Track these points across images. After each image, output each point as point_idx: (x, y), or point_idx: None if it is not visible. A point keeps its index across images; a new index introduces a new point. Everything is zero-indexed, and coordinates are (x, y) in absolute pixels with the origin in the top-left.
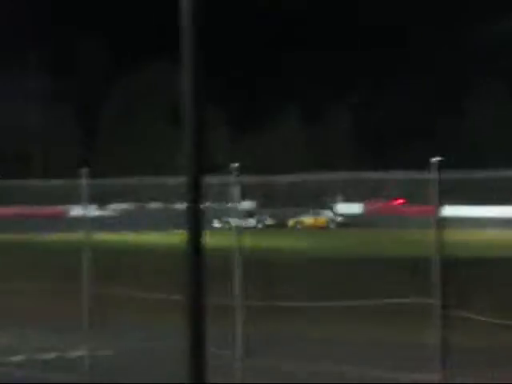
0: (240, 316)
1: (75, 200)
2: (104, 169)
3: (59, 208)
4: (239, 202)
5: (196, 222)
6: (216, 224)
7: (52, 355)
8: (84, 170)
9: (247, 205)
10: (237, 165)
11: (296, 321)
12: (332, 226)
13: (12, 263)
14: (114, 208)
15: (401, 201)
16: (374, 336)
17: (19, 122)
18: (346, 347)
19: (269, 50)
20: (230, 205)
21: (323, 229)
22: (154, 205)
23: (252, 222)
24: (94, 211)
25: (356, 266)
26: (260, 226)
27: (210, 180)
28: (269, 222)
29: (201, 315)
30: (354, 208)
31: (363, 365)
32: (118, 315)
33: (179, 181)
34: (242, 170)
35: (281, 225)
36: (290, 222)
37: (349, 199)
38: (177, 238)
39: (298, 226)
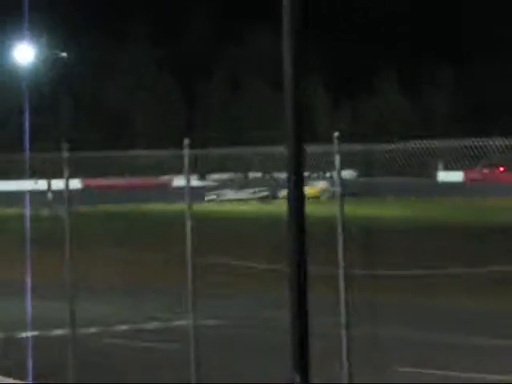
0: (343, 283)
1: (179, 171)
2: (207, 139)
3: (164, 178)
4: (340, 171)
5: (297, 191)
6: (210, 197)
7: (156, 325)
8: (186, 141)
9: (348, 174)
10: (337, 133)
11: (399, 289)
12: (327, 196)
13: (117, 233)
14: (216, 178)
15: (501, 168)
16: (479, 304)
17: (123, 93)
18: (453, 315)
19: (369, 17)
20: (330, 174)
21: (316, 199)
22: (254, 174)
23: (245, 194)
24: (195, 181)
25: (453, 234)
26: (254, 197)
27: (312, 149)
28: (263, 193)
29: (303, 284)
30: (455, 176)
31: (471, 334)
32: (221, 284)
33: (279, 150)
34: (343, 139)
35: (273, 196)
36: (283, 193)
37: (450, 167)
38: (277, 206)
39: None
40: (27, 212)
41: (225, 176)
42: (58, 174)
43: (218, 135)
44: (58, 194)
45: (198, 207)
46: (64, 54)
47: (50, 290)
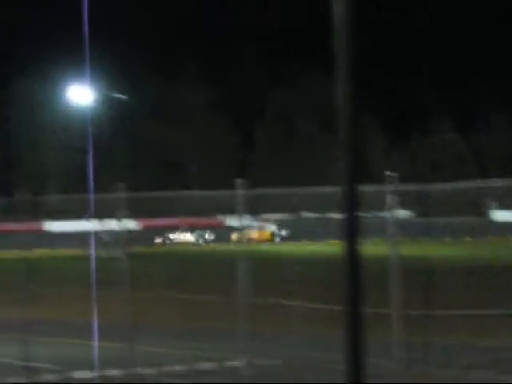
0: (397, 324)
1: (232, 210)
2: (260, 179)
3: (218, 218)
4: (394, 211)
5: (352, 232)
6: (158, 240)
7: (211, 365)
8: (239, 181)
9: (402, 214)
10: (390, 173)
11: (454, 329)
12: (277, 239)
13: (173, 273)
14: (269, 218)
15: None
16: None
17: (177, 133)
18: (508, 355)
19: (421, 58)
20: (385, 214)
21: (268, 242)
22: (308, 214)
23: (193, 237)
24: (248, 221)
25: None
26: (201, 241)
27: (366, 189)
28: (209, 237)
29: (359, 325)
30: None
31: None
32: (274, 324)
33: (334, 190)
34: (398, 179)
35: (223, 239)
36: (233, 236)
37: (505, 206)
38: (332, 247)
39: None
40: (86, 252)
41: (278, 216)
42: (114, 215)
43: (271, 176)
44: (115, 234)
45: (253, 247)
46: (123, 96)
47: (109, 331)
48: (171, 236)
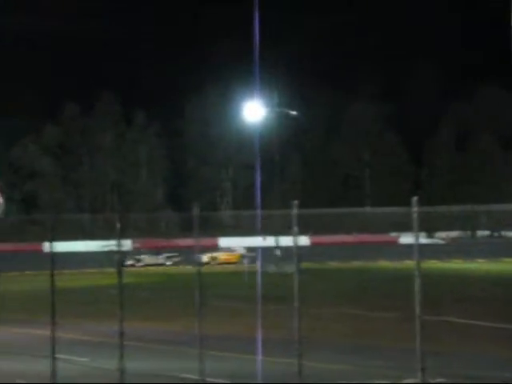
0: None
1: (406, 228)
2: (434, 197)
3: (391, 235)
4: None
5: None
6: (129, 261)
7: (386, 382)
8: (414, 198)
9: None
10: None
11: None
12: (245, 261)
13: (344, 289)
14: (443, 236)
15: None
16: None
17: (349, 149)
18: None
19: None
20: None
21: (236, 264)
22: (482, 232)
23: (161, 258)
24: (423, 239)
25: None
26: (140, 264)
27: None
28: (146, 261)
29: None
30: None
31: None
32: (449, 342)
33: (509, 208)
34: None
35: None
36: (205, 258)
37: None
38: (508, 266)
39: (212, 262)
40: (252, 268)
41: (452, 234)
42: (287, 231)
43: (445, 193)
44: (286, 250)
45: (428, 265)
46: (294, 113)
47: (278, 346)
48: (140, 258)
